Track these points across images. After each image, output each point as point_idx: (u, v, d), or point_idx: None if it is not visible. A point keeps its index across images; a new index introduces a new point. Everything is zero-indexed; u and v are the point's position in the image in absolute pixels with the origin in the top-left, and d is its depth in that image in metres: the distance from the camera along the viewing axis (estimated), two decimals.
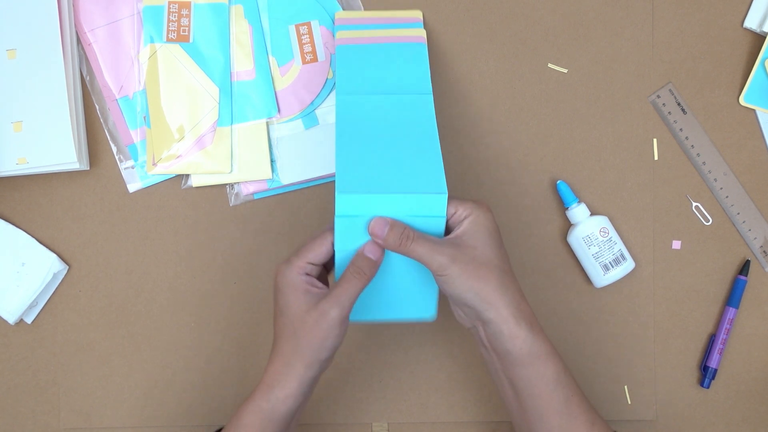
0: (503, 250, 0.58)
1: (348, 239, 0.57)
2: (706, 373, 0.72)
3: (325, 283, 0.61)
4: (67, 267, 0.73)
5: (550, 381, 0.57)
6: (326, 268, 0.62)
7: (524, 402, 0.58)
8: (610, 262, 0.70)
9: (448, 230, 0.58)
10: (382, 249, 0.57)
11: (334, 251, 0.58)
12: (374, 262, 0.57)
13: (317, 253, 0.58)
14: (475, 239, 0.57)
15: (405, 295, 0.61)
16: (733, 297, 0.72)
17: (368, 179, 0.56)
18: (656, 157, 0.73)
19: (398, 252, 0.56)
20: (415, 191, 0.55)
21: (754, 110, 0.73)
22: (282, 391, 0.56)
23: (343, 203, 0.55)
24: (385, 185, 0.55)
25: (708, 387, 0.73)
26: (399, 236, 0.55)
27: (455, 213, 0.57)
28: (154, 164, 0.71)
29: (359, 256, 0.57)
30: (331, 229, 0.58)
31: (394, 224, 0.55)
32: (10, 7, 0.68)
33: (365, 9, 0.72)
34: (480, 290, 0.56)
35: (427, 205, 0.56)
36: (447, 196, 0.55)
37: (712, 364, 0.72)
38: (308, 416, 0.73)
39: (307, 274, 0.58)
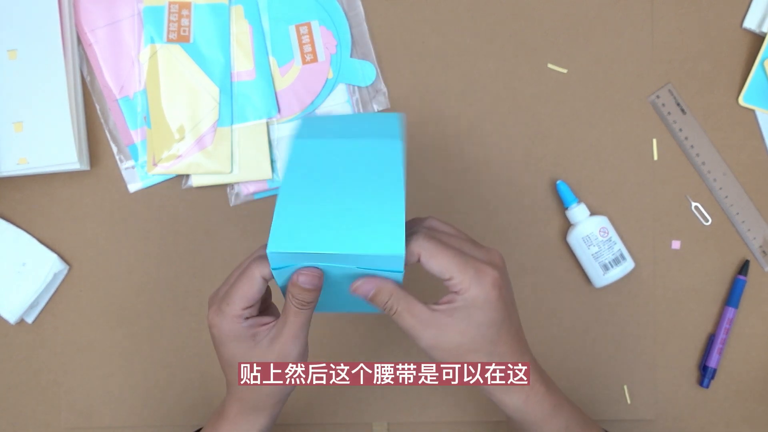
0: (503, 326, 0.52)
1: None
2: (705, 373, 0.73)
3: (268, 306, 0.57)
4: (68, 267, 0.73)
5: (547, 409, 0.55)
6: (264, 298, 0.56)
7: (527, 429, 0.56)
8: (609, 262, 0.70)
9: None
10: (319, 274, 0.50)
11: (266, 285, 0.52)
12: (313, 291, 0.50)
13: (248, 297, 0.51)
14: (466, 323, 0.51)
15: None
16: (732, 297, 0.72)
17: (311, 232, 0.49)
18: (656, 157, 0.73)
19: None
20: (368, 249, 0.49)
21: (753, 110, 0.73)
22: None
23: (276, 260, 0.49)
24: (334, 240, 0.49)
25: (707, 387, 0.73)
26: (383, 304, 0.51)
27: (451, 279, 0.50)
28: (155, 164, 0.71)
29: (295, 287, 0.50)
30: (259, 259, 0.51)
31: (381, 289, 0.50)
32: (10, 8, 0.68)
33: (365, 9, 0.72)
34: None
35: (383, 258, 0.49)
36: (403, 254, 0.49)
37: (712, 363, 0.72)
38: (308, 416, 0.73)
39: (247, 318, 0.52)
